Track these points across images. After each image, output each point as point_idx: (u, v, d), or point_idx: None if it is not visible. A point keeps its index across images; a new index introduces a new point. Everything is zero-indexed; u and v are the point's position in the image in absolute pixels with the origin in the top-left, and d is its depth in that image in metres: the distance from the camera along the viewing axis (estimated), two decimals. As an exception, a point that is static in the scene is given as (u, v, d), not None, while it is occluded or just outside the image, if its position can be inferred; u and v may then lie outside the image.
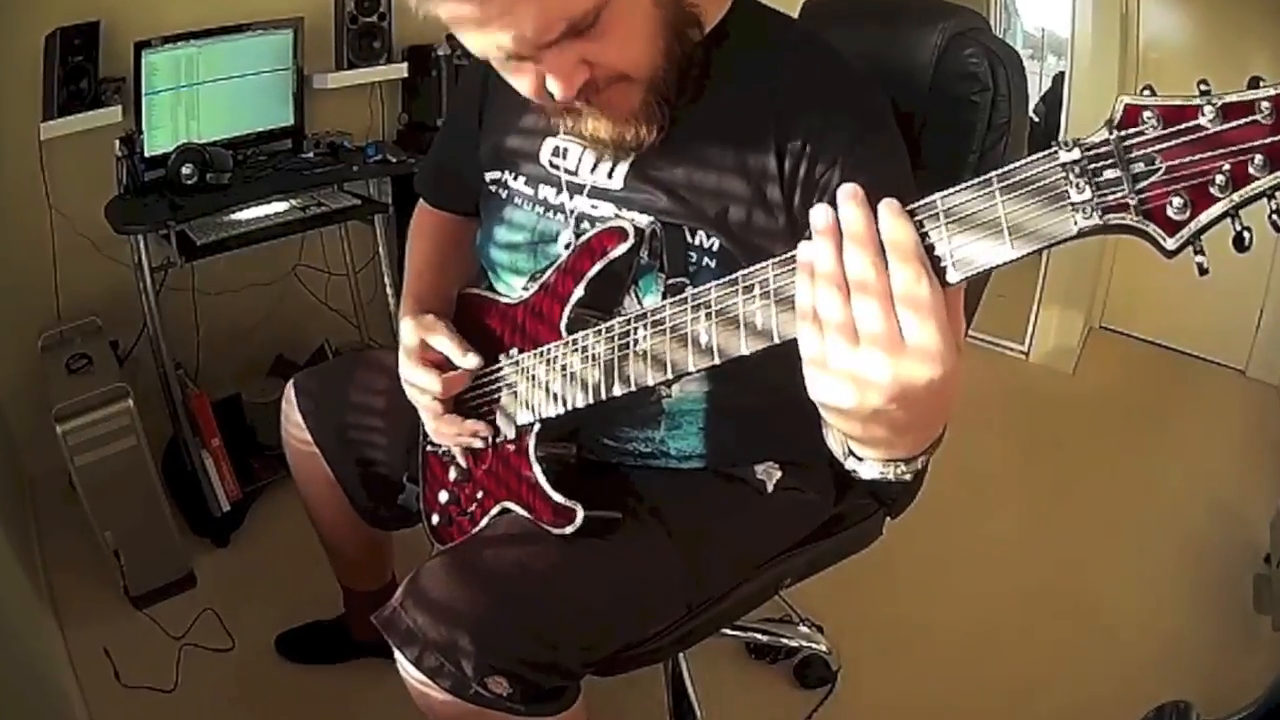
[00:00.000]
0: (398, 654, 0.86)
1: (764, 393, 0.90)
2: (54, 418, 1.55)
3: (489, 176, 1.01)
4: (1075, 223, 0.50)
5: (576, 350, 0.83)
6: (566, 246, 0.91)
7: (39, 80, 1.75)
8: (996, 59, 0.99)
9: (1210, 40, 2.33)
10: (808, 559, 1.12)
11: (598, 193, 0.90)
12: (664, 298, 0.83)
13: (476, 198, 1.04)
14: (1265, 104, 0.46)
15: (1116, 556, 1.81)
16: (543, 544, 0.89)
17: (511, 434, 0.94)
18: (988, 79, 0.98)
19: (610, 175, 0.89)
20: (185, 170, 1.80)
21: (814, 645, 1.53)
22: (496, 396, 0.95)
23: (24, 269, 1.89)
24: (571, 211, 0.92)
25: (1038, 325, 2.55)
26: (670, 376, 0.73)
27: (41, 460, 1.88)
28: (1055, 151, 0.51)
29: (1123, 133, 0.49)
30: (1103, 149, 0.49)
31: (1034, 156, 0.52)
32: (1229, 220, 0.48)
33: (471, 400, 0.98)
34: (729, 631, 1.42)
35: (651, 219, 0.86)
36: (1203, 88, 0.48)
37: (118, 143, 1.80)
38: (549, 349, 0.87)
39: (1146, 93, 0.49)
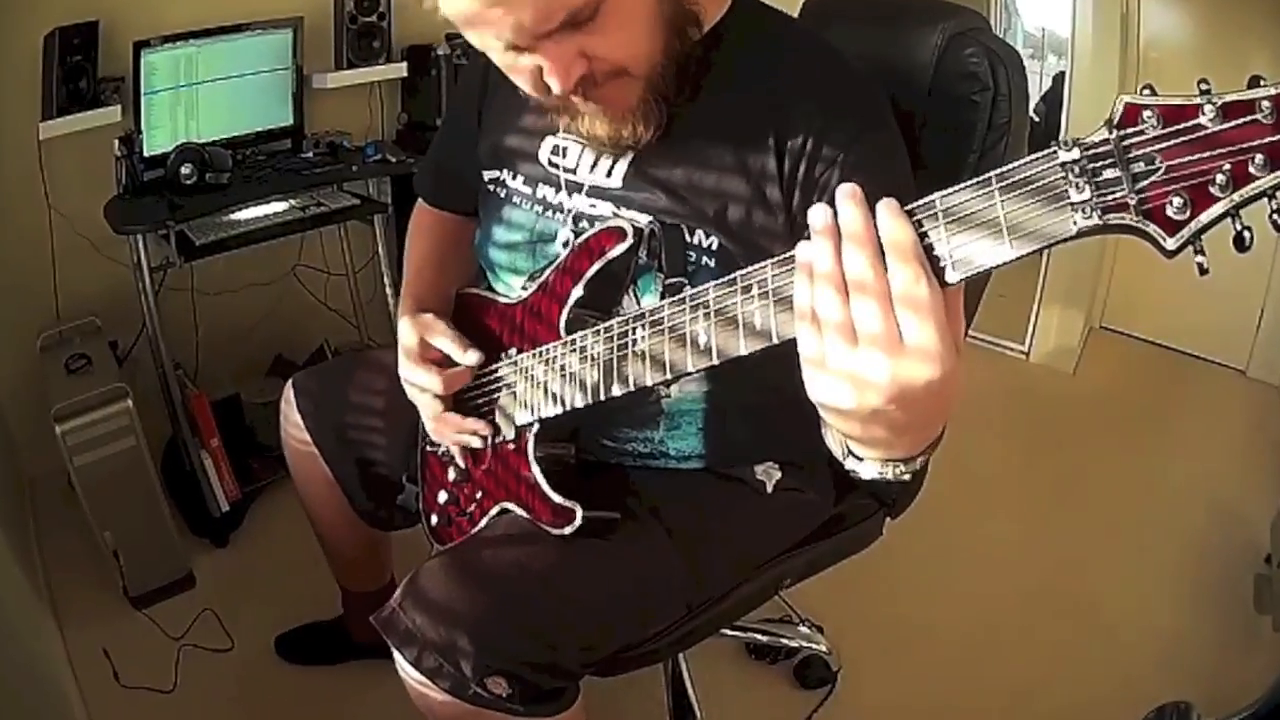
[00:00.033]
0: (396, 655, 0.86)
1: (763, 393, 0.90)
2: (53, 418, 1.55)
3: (487, 175, 1.01)
4: (1075, 223, 0.50)
5: (575, 350, 0.83)
6: (565, 246, 0.91)
7: (38, 80, 1.74)
8: (997, 59, 0.99)
9: (1211, 40, 2.33)
10: (808, 559, 1.11)
11: (596, 192, 0.90)
12: (662, 297, 0.84)
13: (476, 197, 1.04)
14: (1265, 103, 0.45)
15: (1117, 557, 1.81)
16: (542, 544, 0.89)
17: (510, 434, 0.93)
18: (988, 79, 0.98)
19: (609, 174, 0.89)
20: (184, 170, 1.80)
21: (814, 645, 1.53)
22: (495, 397, 0.95)
23: (23, 269, 1.89)
24: (570, 211, 0.91)
25: (1038, 325, 2.55)
26: (669, 377, 0.72)
27: (40, 460, 1.88)
28: (1055, 151, 0.50)
29: (1122, 132, 0.49)
30: (1102, 148, 0.49)
31: (1033, 156, 0.51)
32: (1229, 220, 0.47)
33: (470, 400, 0.98)
34: (729, 632, 1.42)
35: (650, 218, 0.86)
36: (1203, 87, 0.47)
37: (117, 142, 1.79)
38: (548, 349, 0.87)
39: (1146, 92, 0.49)
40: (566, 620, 0.87)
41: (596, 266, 0.85)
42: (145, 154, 1.83)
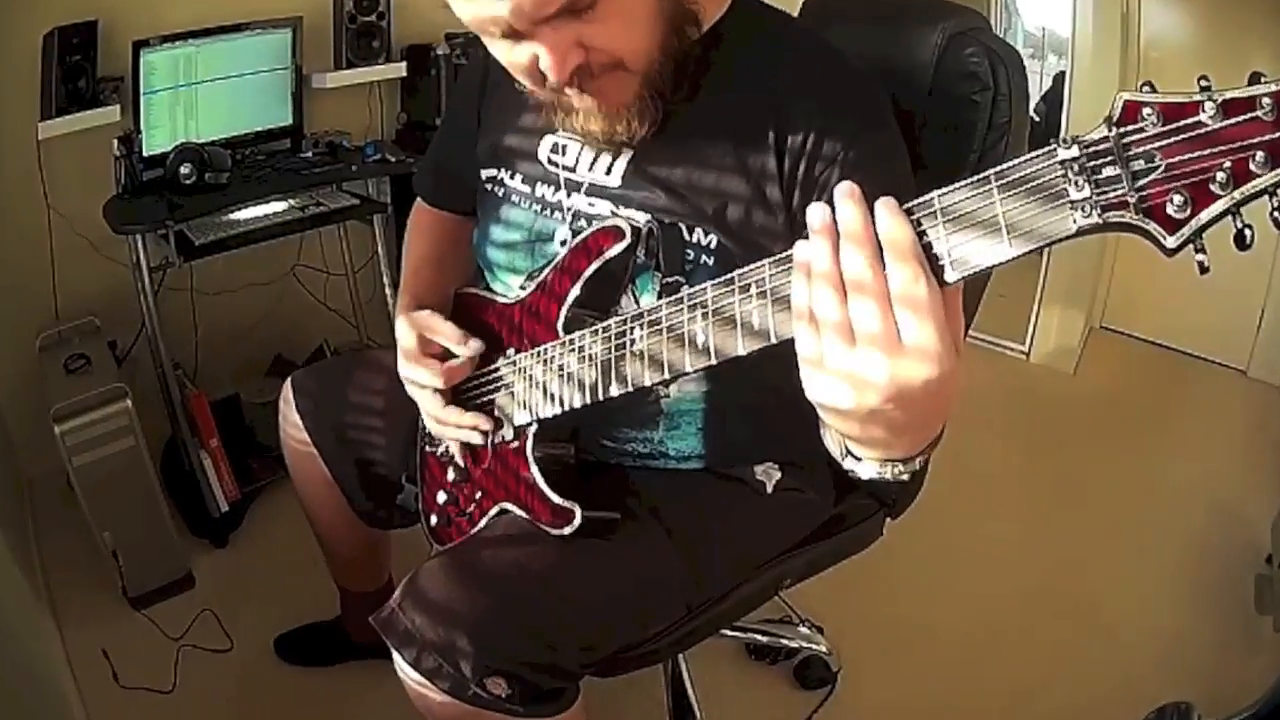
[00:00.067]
0: (396, 655, 0.86)
1: (763, 393, 0.90)
2: (52, 418, 1.55)
3: (486, 174, 1.01)
4: (1074, 221, 0.50)
5: (573, 350, 0.83)
6: (563, 245, 0.91)
7: (37, 79, 1.74)
8: (997, 58, 0.98)
9: (1211, 39, 2.33)
10: (808, 559, 1.11)
11: (595, 190, 0.89)
12: (660, 296, 0.83)
13: (475, 197, 1.04)
14: (1266, 100, 0.45)
15: (1117, 557, 1.81)
16: (541, 545, 0.89)
17: (509, 434, 0.93)
18: (988, 78, 0.98)
19: (609, 172, 0.89)
20: (184, 170, 1.80)
21: (814, 646, 1.53)
22: (494, 397, 0.95)
23: (22, 269, 1.89)
24: (569, 209, 0.91)
25: (1038, 325, 2.55)
26: (667, 377, 0.72)
27: (39, 461, 1.87)
28: (1054, 149, 0.50)
29: (1122, 130, 0.49)
30: (1102, 146, 0.49)
31: (1032, 154, 0.51)
32: (1230, 218, 0.47)
33: (470, 400, 0.97)
34: (729, 632, 1.42)
35: (649, 217, 0.86)
36: (1203, 84, 0.47)
37: (116, 142, 1.79)
38: (546, 349, 0.87)
39: (1146, 89, 0.49)
40: (566, 620, 0.87)
41: (594, 266, 0.85)
42: (144, 154, 1.83)
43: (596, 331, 0.80)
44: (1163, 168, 0.48)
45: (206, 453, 1.83)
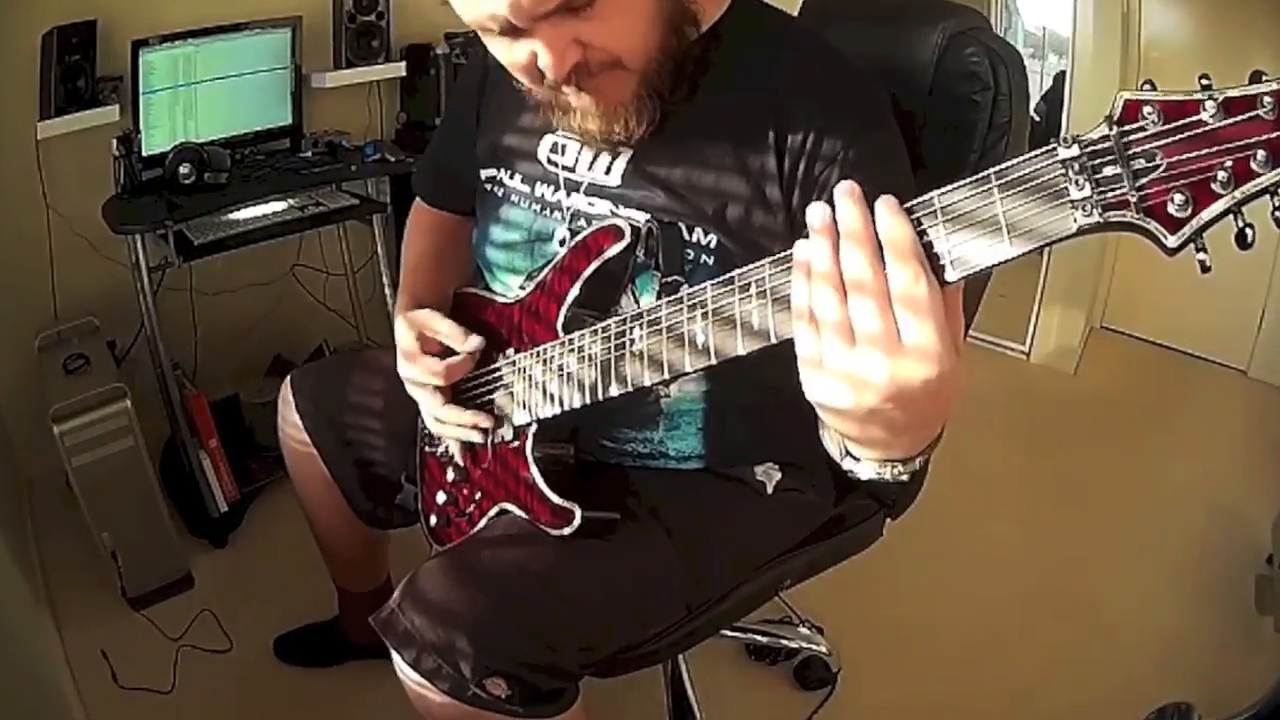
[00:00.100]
0: (395, 656, 0.86)
1: (763, 393, 0.89)
2: (51, 418, 1.55)
3: (485, 174, 1.00)
4: (1075, 220, 0.49)
5: (573, 350, 0.83)
6: (562, 244, 0.91)
7: (36, 79, 1.74)
8: (998, 58, 0.98)
9: (1212, 39, 2.33)
10: (808, 560, 1.11)
11: (595, 190, 0.89)
12: (659, 296, 0.83)
13: (474, 197, 1.04)
14: (1267, 99, 0.45)
15: (1118, 557, 1.80)
16: (541, 545, 0.89)
17: (509, 434, 0.93)
18: (989, 78, 0.97)
19: (608, 172, 0.88)
20: (183, 170, 1.80)
21: (814, 646, 1.52)
22: (493, 397, 0.94)
23: (21, 269, 1.89)
24: (568, 209, 0.91)
25: (1039, 325, 2.55)
26: (667, 377, 0.72)
27: (39, 461, 1.87)
28: (1054, 148, 0.50)
29: (1123, 129, 0.48)
30: (1102, 145, 0.49)
31: (1033, 153, 0.51)
32: (1231, 217, 0.47)
33: (469, 400, 0.97)
34: (729, 633, 1.42)
35: (648, 217, 0.86)
36: (1204, 82, 0.47)
37: (115, 142, 1.79)
38: (545, 349, 0.87)
39: (1147, 88, 0.48)
40: (566, 621, 0.87)
41: (594, 266, 0.85)
42: (144, 153, 1.82)
43: (596, 331, 0.80)
44: (1164, 167, 0.47)
45: (206, 453, 1.83)
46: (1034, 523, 1.92)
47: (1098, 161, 0.49)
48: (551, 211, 0.93)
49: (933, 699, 1.48)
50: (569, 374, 0.83)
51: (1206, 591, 1.70)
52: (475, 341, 0.94)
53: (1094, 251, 2.43)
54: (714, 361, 0.67)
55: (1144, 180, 0.48)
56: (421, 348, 0.96)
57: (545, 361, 0.87)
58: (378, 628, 0.87)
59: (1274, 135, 0.45)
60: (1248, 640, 1.58)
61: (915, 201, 0.55)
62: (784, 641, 1.53)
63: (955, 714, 1.47)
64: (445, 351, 0.96)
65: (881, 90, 0.86)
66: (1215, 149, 0.46)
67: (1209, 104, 0.46)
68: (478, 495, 0.99)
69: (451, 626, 0.83)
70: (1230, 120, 0.46)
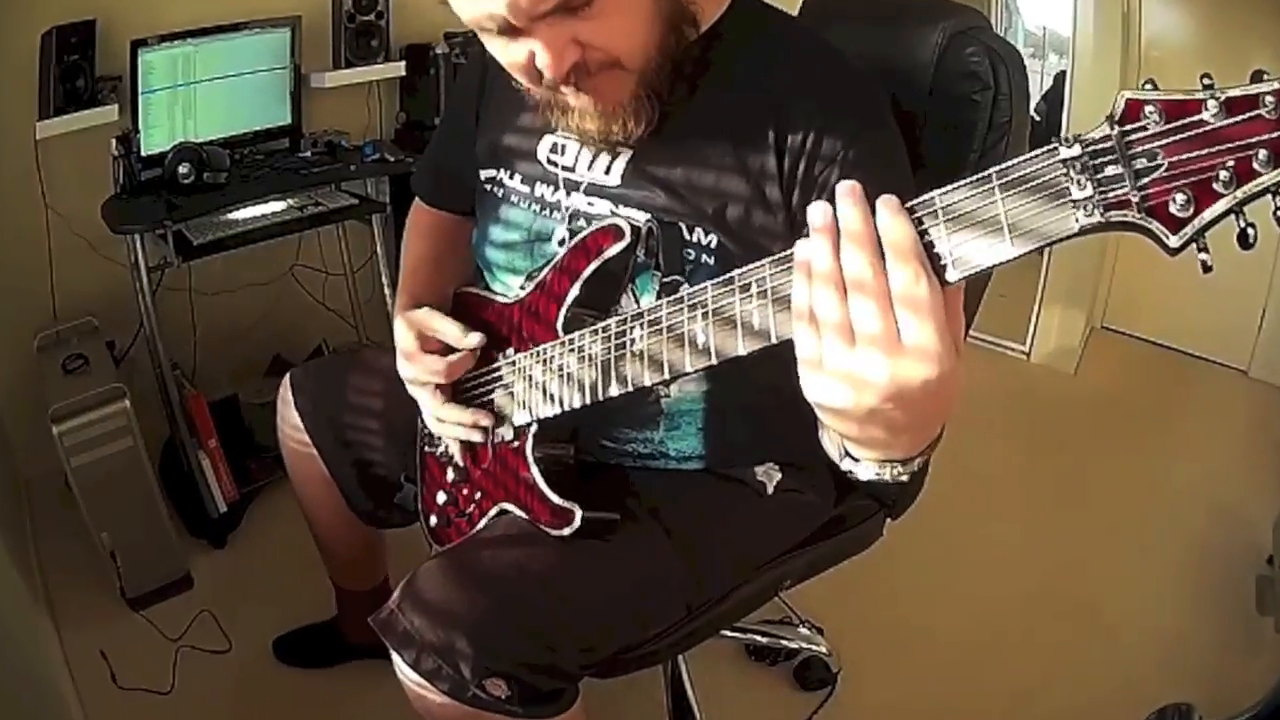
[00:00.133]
0: (395, 656, 0.86)
1: (763, 393, 0.89)
2: (50, 418, 1.54)
3: (484, 175, 1.00)
4: (1076, 220, 0.49)
5: (573, 350, 0.83)
6: (561, 244, 0.91)
7: (35, 79, 1.74)
8: (998, 58, 0.98)
9: (1212, 38, 2.33)
10: (808, 560, 1.11)
11: (594, 190, 0.89)
12: (659, 296, 0.83)
13: (474, 197, 1.04)
14: (1269, 98, 0.45)
15: (1118, 558, 1.80)
16: (541, 545, 0.89)
17: (509, 435, 0.93)
18: (989, 78, 0.97)
19: (608, 172, 0.88)
20: (182, 170, 1.80)
21: (814, 647, 1.52)
22: (493, 397, 0.94)
23: (20, 269, 1.88)
24: (568, 209, 0.91)
25: (1039, 325, 2.55)
26: (667, 377, 0.72)
27: (38, 461, 1.87)
28: (1055, 148, 0.50)
29: (1124, 128, 0.48)
30: (1104, 145, 0.49)
31: (1034, 153, 0.51)
32: (1232, 217, 0.47)
33: (469, 400, 0.97)
34: (729, 633, 1.42)
35: (648, 216, 0.85)
36: (1205, 82, 0.47)
37: (114, 142, 1.79)
38: (545, 349, 0.87)
39: (1148, 87, 0.48)
40: (565, 621, 0.87)
41: (594, 266, 0.84)
42: (143, 153, 1.82)
43: (596, 331, 0.80)
44: (1165, 166, 0.47)
45: (205, 453, 1.83)
46: (1034, 523, 1.91)
47: (1099, 161, 0.49)
48: (551, 211, 0.93)
49: (933, 699, 1.48)
50: (569, 374, 0.83)
51: (1207, 592, 1.70)
52: (475, 338, 0.94)
53: (1094, 251, 2.43)
54: (714, 362, 0.67)
55: (1146, 180, 0.48)
56: (421, 347, 0.96)
57: (545, 361, 0.86)
58: (377, 628, 0.87)
59: (1276, 135, 0.45)
60: (1248, 641, 1.57)
61: (916, 201, 0.55)
62: (784, 642, 1.53)
63: (955, 714, 1.46)
64: (445, 350, 0.96)
65: (881, 90, 0.86)
66: (1217, 149, 0.46)
67: (1211, 103, 0.46)
68: (478, 495, 0.99)
69: (451, 627, 0.83)
70: (1232, 120, 0.46)
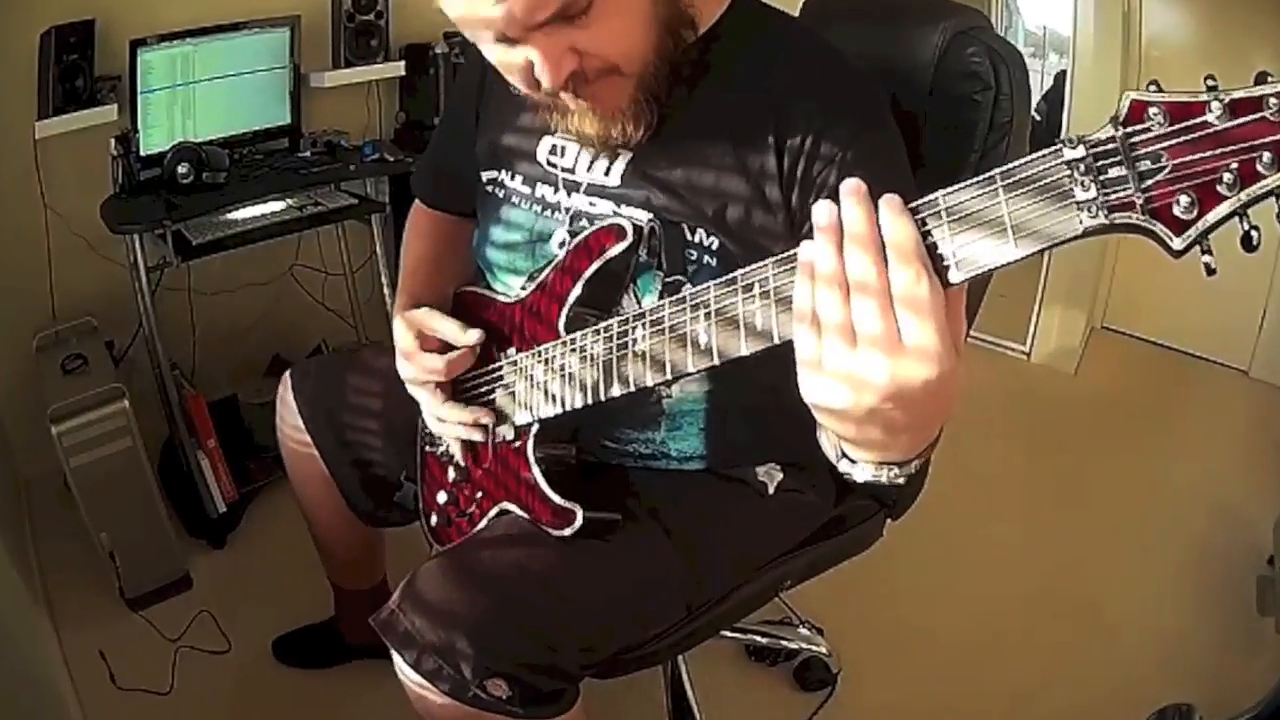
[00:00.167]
0: (396, 657, 0.85)
1: (765, 393, 0.89)
2: (49, 419, 1.54)
3: (486, 176, 1.00)
4: (1080, 222, 0.49)
5: (574, 350, 0.83)
6: (561, 245, 0.91)
7: (34, 78, 1.74)
8: (999, 58, 0.98)
9: (1213, 38, 2.33)
10: (808, 561, 1.11)
11: (595, 190, 0.89)
12: (662, 296, 0.83)
13: (474, 198, 1.04)
14: (1273, 100, 0.45)
15: (1119, 558, 1.80)
16: (541, 545, 0.89)
17: (510, 435, 0.93)
18: (990, 78, 0.97)
19: (608, 173, 0.88)
20: (181, 169, 1.79)
21: (814, 647, 1.52)
22: (494, 397, 0.94)
23: (19, 269, 1.88)
24: (569, 210, 0.91)
25: (1039, 325, 2.54)
26: (669, 377, 0.72)
27: (36, 462, 1.87)
28: (1060, 149, 0.50)
29: (1128, 130, 0.48)
30: (1108, 146, 0.48)
31: (1038, 154, 0.51)
32: (1236, 219, 0.47)
33: (470, 400, 0.97)
34: (729, 633, 1.42)
35: (650, 216, 0.85)
36: (1209, 83, 0.47)
37: (113, 141, 1.78)
38: (547, 349, 0.87)
39: (1152, 88, 0.48)
40: (566, 621, 0.87)
41: (595, 265, 0.84)
42: (142, 153, 1.82)
43: (598, 331, 0.79)
44: (1169, 168, 0.47)
45: (204, 453, 1.82)
46: (1034, 523, 1.91)
47: (1103, 163, 0.48)
48: (552, 212, 0.92)
49: (933, 700, 1.47)
50: (570, 374, 0.83)
51: (1208, 592, 1.70)
52: (475, 335, 0.93)
53: (1095, 251, 2.43)
54: (716, 362, 0.67)
55: (1149, 182, 0.48)
56: (420, 346, 0.96)
57: (546, 361, 0.86)
58: (378, 628, 0.87)
59: (1279, 137, 0.44)
60: (1249, 641, 1.57)
61: (920, 202, 0.55)
62: (784, 642, 1.53)
63: (955, 715, 1.46)
64: (444, 349, 0.96)
65: (881, 90, 0.86)
66: (1221, 150, 0.46)
67: (1215, 105, 0.46)
68: (478, 495, 0.99)
69: (452, 627, 0.83)
70: (1236, 122, 0.45)
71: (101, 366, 1.73)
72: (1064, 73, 2.44)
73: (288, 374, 1.23)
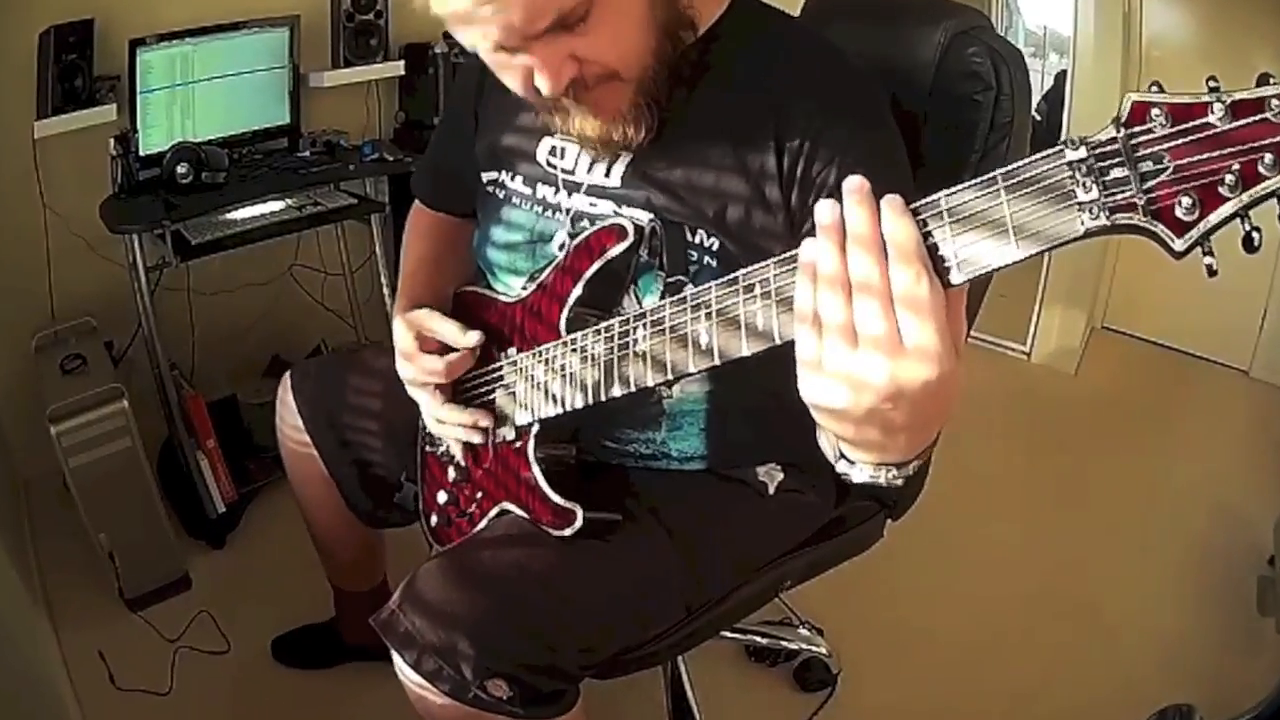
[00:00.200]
0: (396, 657, 0.85)
1: (766, 393, 0.89)
2: (48, 419, 1.54)
3: (486, 177, 1.00)
4: (1082, 223, 0.49)
5: (575, 351, 0.82)
6: (561, 247, 0.90)
7: (33, 78, 1.73)
8: (999, 58, 0.98)
9: (1213, 38, 2.33)
10: (808, 561, 1.11)
11: (596, 191, 0.89)
12: (663, 296, 0.83)
13: (474, 198, 1.04)
14: (1275, 102, 0.45)
15: (1119, 558, 1.80)
16: (542, 545, 0.89)
17: (510, 435, 0.93)
18: (990, 78, 0.97)
19: (608, 174, 0.88)
20: (180, 169, 1.79)
21: (814, 648, 1.52)
22: (494, 398, 0.94)
23: (18, 269, 1.88)
24: (570, 210, 0.91)
25: (1040, 325, 2.54)
26: (670, 377, 0.72)
27: (36, 462, 1.87)
28: (1061, 150, 0.50)
29: (1130, 131, 0.48)
30: (1110, 147, 0.48)
31: (1040, 155, 0.50)
32: (1238, 220, 0.46)
33: (470, 400, 0.97)
34: (729, 634, 1.42)
35: (651, 216, 0.85)
36: (1211, 85, 0.47)
37: (112, 141, 1.78)
38: (547, 349, 0.87)
39: (1154, 89, 0.48)
40: (566, 622, 0.87)
41: (596, 266, 0.84)
42: (141, 153, 1.82)
43: (599, 332, 0.79)
44: (1171, 169, 0.47)
45: (203, 454, 1.82)
46: (1035, 524, 1.91)
47: (1105, 164, 0.48)
48: (553, 213, 0.92)
49: (933, 700, 1.47)
50: (571, 374, 0.83)
51: (1208, 593, 1.69)
52: (475, 336, 0.93)
53: (1095, 251, 2.43)
54: (718, 362, 0.66)
55: (1151, 183, 0.47)
56: (420, 347, 0.96)
57: (547, 362, 0.86)
58: (378, 629, 0.86)
59: (1282, 138, 0.44)
60: (1249, 642, 1.57)
61: (922, 202, 0.54)
62: (784, 643, 1.53)
63: (956, 715, 1.46)
64: (444, 350, 0.95)
65: (881, 90, 0.86)
66: (1223, 152, 0.46)
67: (1217, 106, 0.46)
68: (479, 495, 0.99)
69: (452, 628, 0.83)
70: (1238, 123, 0.45)
71: (100, 366, 1.73)
72: (1064, 73, 2.44)
73: (288, 374, 1.23)
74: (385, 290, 2.22)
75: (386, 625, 0.86)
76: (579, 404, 0.82)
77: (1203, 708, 1.18)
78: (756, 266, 0.63)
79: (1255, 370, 2.42)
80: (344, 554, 1.38)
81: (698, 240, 0.84)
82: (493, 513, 0.96)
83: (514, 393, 0.91)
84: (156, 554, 1.69)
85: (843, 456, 0.65)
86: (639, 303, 0.86)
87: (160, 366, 1.81)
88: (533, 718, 0.86)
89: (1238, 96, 0.46)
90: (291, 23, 2.00)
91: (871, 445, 0.61)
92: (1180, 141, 0.47)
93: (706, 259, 0.84)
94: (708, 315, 0.67)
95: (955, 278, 0.54)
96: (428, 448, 1.09)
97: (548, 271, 0.90)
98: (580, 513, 0.86)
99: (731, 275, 0.65)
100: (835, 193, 0.56)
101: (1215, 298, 2.25)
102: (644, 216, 0.85)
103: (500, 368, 0.93)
